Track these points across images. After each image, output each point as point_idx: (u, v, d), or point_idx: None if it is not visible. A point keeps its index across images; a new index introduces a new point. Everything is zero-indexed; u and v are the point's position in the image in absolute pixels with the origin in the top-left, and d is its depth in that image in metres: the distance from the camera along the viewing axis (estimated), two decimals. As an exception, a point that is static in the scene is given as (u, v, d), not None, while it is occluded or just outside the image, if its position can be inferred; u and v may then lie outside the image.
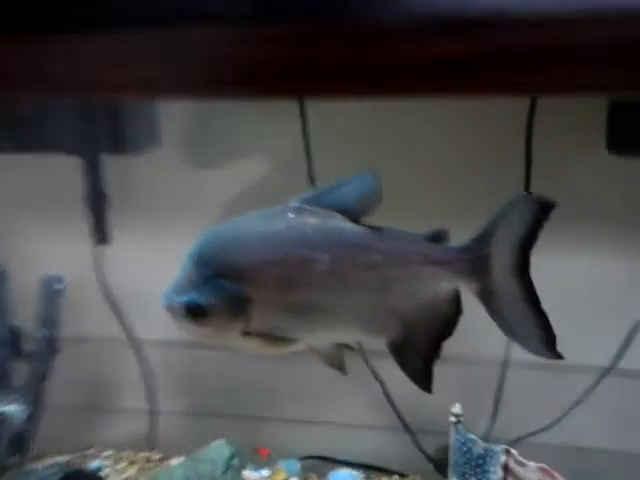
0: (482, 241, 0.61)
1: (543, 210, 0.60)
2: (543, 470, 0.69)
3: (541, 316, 0.61)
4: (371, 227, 0.63)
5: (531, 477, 0.70)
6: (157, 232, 0.97)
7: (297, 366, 0.85)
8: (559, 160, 0.87)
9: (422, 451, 0.97)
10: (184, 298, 0.61)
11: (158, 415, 1.04)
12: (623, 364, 0.90)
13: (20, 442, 0.91)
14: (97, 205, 0.94)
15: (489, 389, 0.94)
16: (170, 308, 0.63)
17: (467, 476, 0.73)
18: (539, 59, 0.46)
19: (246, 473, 0.90)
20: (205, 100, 0.83)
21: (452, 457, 0.76)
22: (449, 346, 0.63)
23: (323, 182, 0.79)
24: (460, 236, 0.63)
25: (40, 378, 0.92)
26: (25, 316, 0.93)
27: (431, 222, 0.63)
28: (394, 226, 0.63)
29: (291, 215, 0.62)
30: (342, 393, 0.95)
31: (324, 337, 0.65)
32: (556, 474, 0.69)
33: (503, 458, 0.71)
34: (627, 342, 0.89)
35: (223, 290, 0.61)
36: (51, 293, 0.92)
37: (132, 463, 1.01)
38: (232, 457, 0.85)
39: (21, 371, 0.92)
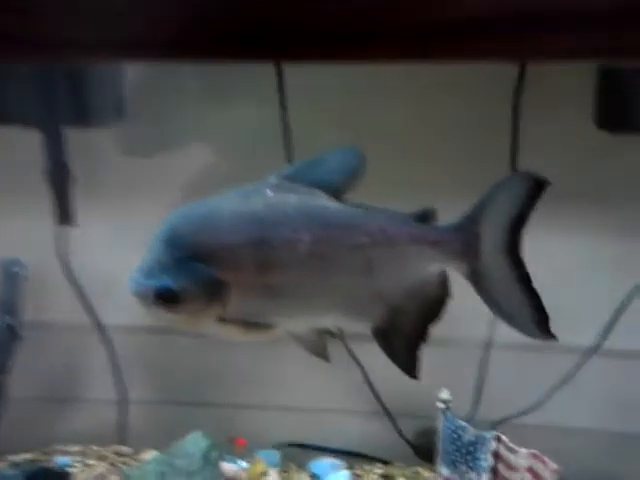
0: (473, 220, 0.60)
1: (537, 188, 0.59)
2: (534, 456, 0.70)
3: (533, 296, 0.60)
4: (356, 205, 0.61)
5: (522, 463, 0.71)
6: (124, 211, 0.93)
7: (273, 350, 0.84)
8: (547, 136, 0.86)
9: (402, 436, 0.97)
10: (155, 283, 0.59)
11: (128, 405, 1.01)
12: (608, 344, 0.91)
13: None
14: (59, 181, 0.90)
15: (472, 371, 0.95)
16: (139, 294, 0.60)
17: (457, 464, 0.74)
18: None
19: (223, 465, 0.88)
20: (176, 63, 0.79)
21: (441, 444, 0.76)
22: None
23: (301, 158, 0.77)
24: (444, 213, 0.61)
25: (0, 369, 0.89)
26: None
27: (415, 199, 0.61)
28: (374, 204, 0.61)
29: (270, 193, 0.60)
30: (321, 378, 0.94)
31: (305, 322, 0.63)
32: (546, 459, 0.70)
33: (494, 445, 0.72)
34: (612, 322, 0.91)
35: (197, 274, 0.58)
36: (11, 277, 0.91)
37: (102, 458, 0.98)
38: (210, 450, 0.83)
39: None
